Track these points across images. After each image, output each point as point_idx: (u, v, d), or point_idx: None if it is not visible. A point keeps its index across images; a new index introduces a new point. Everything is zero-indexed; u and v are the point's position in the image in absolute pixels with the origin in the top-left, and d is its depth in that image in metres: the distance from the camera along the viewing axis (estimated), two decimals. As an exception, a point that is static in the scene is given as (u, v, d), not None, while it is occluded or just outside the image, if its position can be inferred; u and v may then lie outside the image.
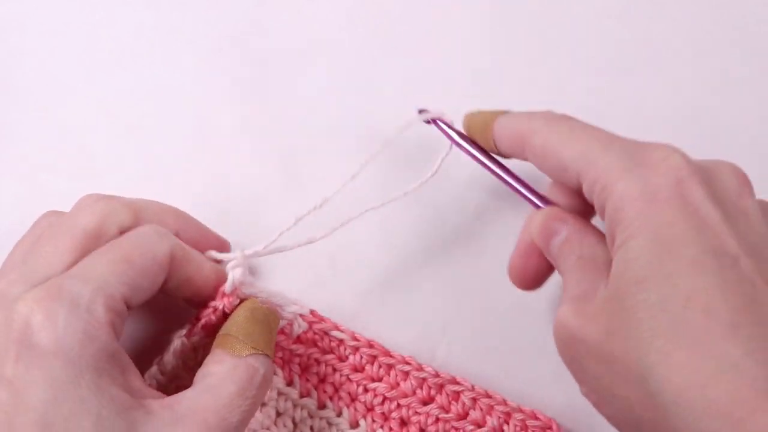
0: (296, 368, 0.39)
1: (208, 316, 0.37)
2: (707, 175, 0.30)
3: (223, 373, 0.32)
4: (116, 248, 0.33)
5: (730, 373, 0.26)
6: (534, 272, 0.37)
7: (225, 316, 0.37)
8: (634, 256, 0.29)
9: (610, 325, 0.29)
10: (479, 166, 0.39)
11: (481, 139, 0.38)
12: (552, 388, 0.41)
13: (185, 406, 0.31)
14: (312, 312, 0.38)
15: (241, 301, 0.36)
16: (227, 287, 0.36)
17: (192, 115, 0.45)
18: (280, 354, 0.39)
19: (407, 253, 0.43)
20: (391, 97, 0.45)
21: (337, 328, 0.38)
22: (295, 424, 0.38)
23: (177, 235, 0.36)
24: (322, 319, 0.38)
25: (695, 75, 0.46)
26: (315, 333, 0.38)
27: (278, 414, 0.38)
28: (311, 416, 0.38)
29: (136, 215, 0.35)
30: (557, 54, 0.46)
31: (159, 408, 0.30)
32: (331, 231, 0.38)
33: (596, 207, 0.32)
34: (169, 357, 0.38)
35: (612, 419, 0.31)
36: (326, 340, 0.39)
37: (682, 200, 0.29)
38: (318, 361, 0.39)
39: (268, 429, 0.38)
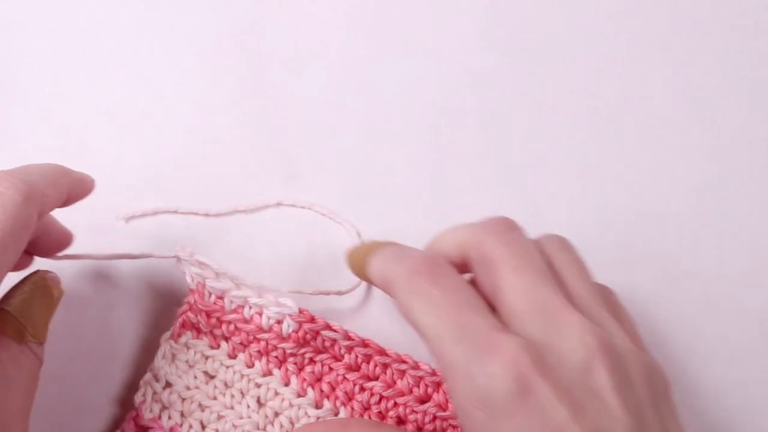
0: (292, 367, 0.39)
1: (184, 314, 0.38)
2: (553, 357, 0.29)
3: None
4: None
5: None
6: None
7: (203, 313, 0.38)
8: None
9: None
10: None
11: (362, 276, 0.37)
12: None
13: None
14: (301, 311, 0.38)
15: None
16: (188, 281, 0.37)
17: (192, 114, 0.45)
18: (275, 353, 0.38)
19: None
20: (391, 97, 0.45)
21: (329, 327, 0.38)
22: (292, 423, 0.38)
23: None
24: (312, 319, 0.38)
25: (695, 75, 0.46)
26: (306, 332, 0.38)
27: (276, 414, 0.38)
28: (308, 415, 0.38)
29: None
30: (557, 54, 0.46)
31: None
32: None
33: (448, 397, 0.32)
34: (159, 361, 0.38)
35: None
36: (319, 339, 0.38)
37: (525, 410, 0.28)
38: (313, 361, 0.38)
39: (264, 429, 0.38)
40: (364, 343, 0.38)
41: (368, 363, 0.38)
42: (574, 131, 0.45)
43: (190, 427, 0.38)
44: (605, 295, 0.36)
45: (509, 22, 0.46)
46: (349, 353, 0.38)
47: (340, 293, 0.41)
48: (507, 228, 0.35)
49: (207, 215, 0.42)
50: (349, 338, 0.38)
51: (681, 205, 0.44)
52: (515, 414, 0.28)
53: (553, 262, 0.34)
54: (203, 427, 0.38)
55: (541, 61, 0.46)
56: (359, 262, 0.36)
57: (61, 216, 0.38)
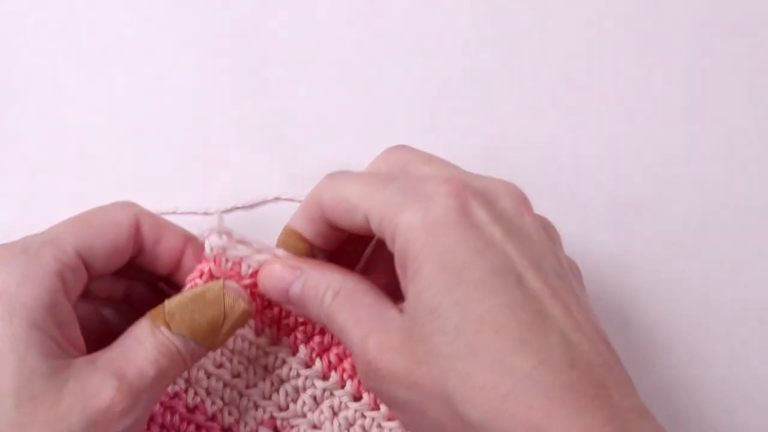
0: (301, 336, 0.38)
1: (193, 280, 0.37)
2: (485, 197, 0.31)
3: (139, 335, 0.33)
4: (79, 214, 0.35)
5: (524, 385, 0.28)
6: None
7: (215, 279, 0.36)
8: (424, 287, 0.30)
9: (413, 355, 0.30)
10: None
11: (303, 251, 0.37)
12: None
13: (102, 358, 0.32)
14: None
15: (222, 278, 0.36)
16: (206, 250, 0.36)
17: (192, 115, 0.45)
18: (286, 321, 0.37)
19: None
20: (391, 97, 0.45)
21: None
22: (297, 392, 0.37)
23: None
24: None
25: (695, 74, 0.46)
26: None
27: (281, 381, 0.38)
28: (314, 386, 0.37)
29: None
30: (557, 54, 0.46)
31: (81, 360, 0.32)
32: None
33: (387, 241, 0.32)
34: None
35: None
36: None
37: (464, 224, 0.30)
38: (323, 331, 0.37)
39: (269, 397, 0.37)
40: None
41: None
42: (574, 131, 0.45)
43: (195, 394, 0.37)
44: None
45: (510, 23, 0.46)
46: None
47: None
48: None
49: (206, 214, 0.42)
50: None
51: (682, 205, 0.44)
52: (455, 227, 0.30)
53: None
54: (208, 394, 0.37)
55: (542, 62, 0.46)
56: (292, 239, 0.37)
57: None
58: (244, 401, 0.38)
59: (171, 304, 0.34)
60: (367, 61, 0.45)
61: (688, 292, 0.42)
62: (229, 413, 0.37)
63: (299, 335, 0.38)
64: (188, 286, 0.36)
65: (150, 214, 0.36)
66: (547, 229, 0.33)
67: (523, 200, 0.32)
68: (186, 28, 0.46)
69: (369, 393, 0.37)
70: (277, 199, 0.43)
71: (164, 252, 0.36)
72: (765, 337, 0.42)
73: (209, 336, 0.34)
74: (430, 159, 0.35)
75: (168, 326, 0.33)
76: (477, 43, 0.46)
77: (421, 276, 0.30)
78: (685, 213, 0.44)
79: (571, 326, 0.29)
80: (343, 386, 0.37)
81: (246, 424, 0.38)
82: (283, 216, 0.42)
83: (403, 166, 0.35)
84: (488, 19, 0.46)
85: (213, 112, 0.45)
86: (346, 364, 0.37)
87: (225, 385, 0.37)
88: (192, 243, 0.37)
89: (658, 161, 0.44)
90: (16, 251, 0.32)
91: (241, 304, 0.34)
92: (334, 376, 0.37)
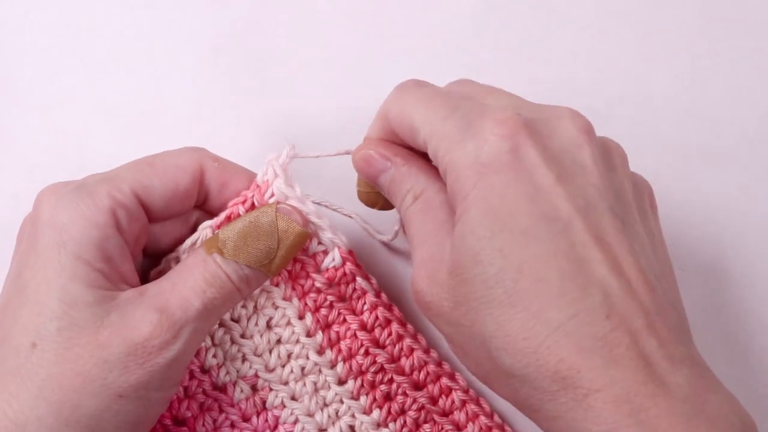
0: (311, 303, 0.37)
1: (235, 206, 0.36)
2: (545, 128, 0.31)
3: (190, 265, 0.34)
4: (144, 156, 0.35)
5: (556, 336, 0.28)
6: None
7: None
8: (469, 230, 0.30)
9: (455, 296, 0.30)
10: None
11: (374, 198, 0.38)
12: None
13: (152, 289, 0.33)
14: (350, 252, 0.37)
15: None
16: (259, 177, 0.36)
17: (192, 115, 0.45)
18: (302, 282, 0.37)
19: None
20: (391, 96, 0.45)
21: (367, 277, 0.37)
22: (289, 356, 0.37)
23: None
24: (356, 263, 0.37)
25: (694, 73, 0.46)
26: (344, 274, 0.37)
27: (278, 341, 0.37)
28: (308, 357, 0.37)
29: None
30: (557, 53, 0.46)
31: (131, 292, 0.33)
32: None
33: (440, 173, 0.32)
34: (188, 245, 0.36)
35: (469, 369, 0.33)
36: (350, 287, 0.37)
37: (514, 168, 0.30)
38: (332, 306, 0.37)
39: (260, 355, 0.37)
40: (390, 307, 0.38)
41: (384, 329, 0.37)
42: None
43: None
44: None
45: (510, 23, 0.46)
46: (371, 312, 0.37)
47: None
48: None
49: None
50: (378, 296, 0.37)
51: (682, 204, 0.44)
52: (505, 170, 0.29)
53: None
54: None
55: (542, 62, 0.46)
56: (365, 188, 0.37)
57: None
58: (234, 349, 0.37)
59: (224, 231, 0.34)
60: (367, 61, 0.45)
61: (687, 292, 0.42)
62: (214, 355, 0.37)
63: (309, 302, 0.37)
64: (227, 210, 0.36)
65: (216, 158, 0.36)
66: (610, 156, 0.32)
67: (585, 129, 0.31)
68: (186, 28, 0.46)
69: (354, 380, 0.37)
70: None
71: (231, 197, 0.36)
72: (764, 338, 0.42)
73: (264, 261, 0.34)
74: (494, 90, 0.34)
75: (221, 253, 0.33)
76: (477, 43, 0.46)
77: (467, 218, 0.30)
78: (685, 212, 0.44)
79: (615, 273, 0.29)
80: (332, 367, 0.37)
81: (227, 372, 0.37)
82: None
83: (467, 96, 0.34)
84: (488, 19, 0.46)
85: (213, 112, 0.45)
86: (343, 345, 0.37)
87: (221, 324, 0.37)
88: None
89: (658, 161, 0.44)
90: (72, 188, 0.33)
91: (296, 228, 0.34)
92: (328, 354, 0.37)
